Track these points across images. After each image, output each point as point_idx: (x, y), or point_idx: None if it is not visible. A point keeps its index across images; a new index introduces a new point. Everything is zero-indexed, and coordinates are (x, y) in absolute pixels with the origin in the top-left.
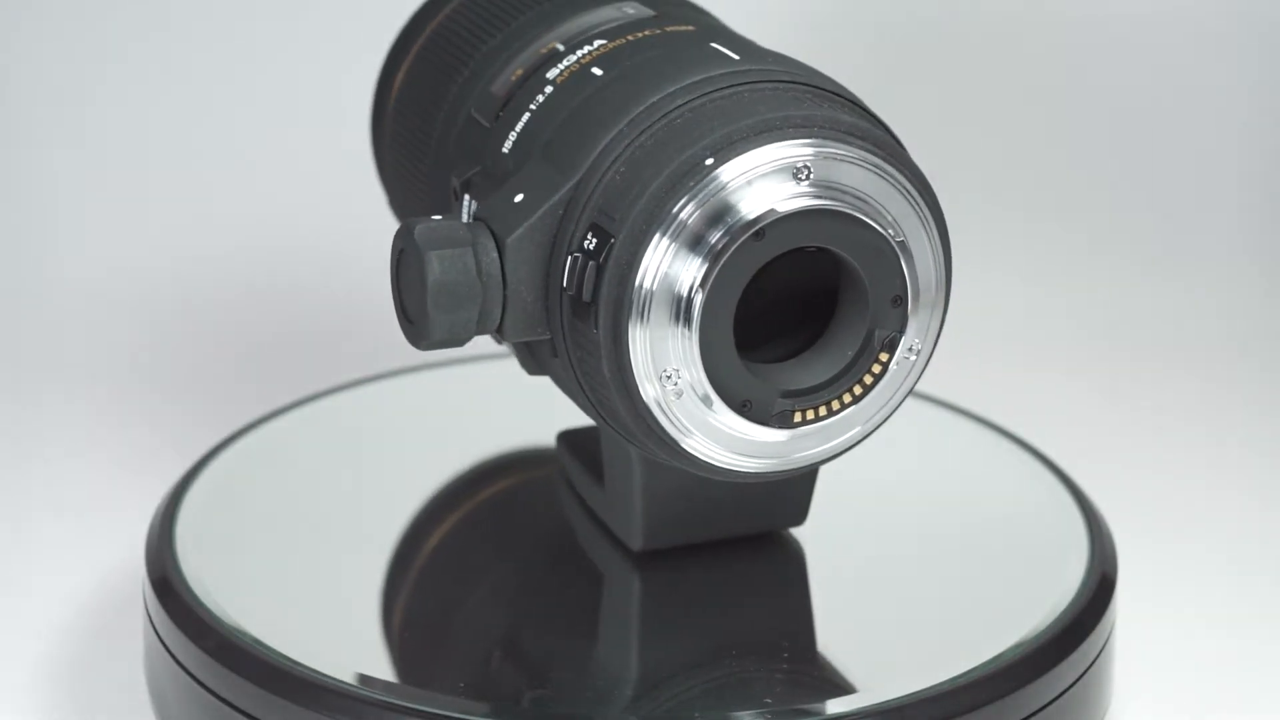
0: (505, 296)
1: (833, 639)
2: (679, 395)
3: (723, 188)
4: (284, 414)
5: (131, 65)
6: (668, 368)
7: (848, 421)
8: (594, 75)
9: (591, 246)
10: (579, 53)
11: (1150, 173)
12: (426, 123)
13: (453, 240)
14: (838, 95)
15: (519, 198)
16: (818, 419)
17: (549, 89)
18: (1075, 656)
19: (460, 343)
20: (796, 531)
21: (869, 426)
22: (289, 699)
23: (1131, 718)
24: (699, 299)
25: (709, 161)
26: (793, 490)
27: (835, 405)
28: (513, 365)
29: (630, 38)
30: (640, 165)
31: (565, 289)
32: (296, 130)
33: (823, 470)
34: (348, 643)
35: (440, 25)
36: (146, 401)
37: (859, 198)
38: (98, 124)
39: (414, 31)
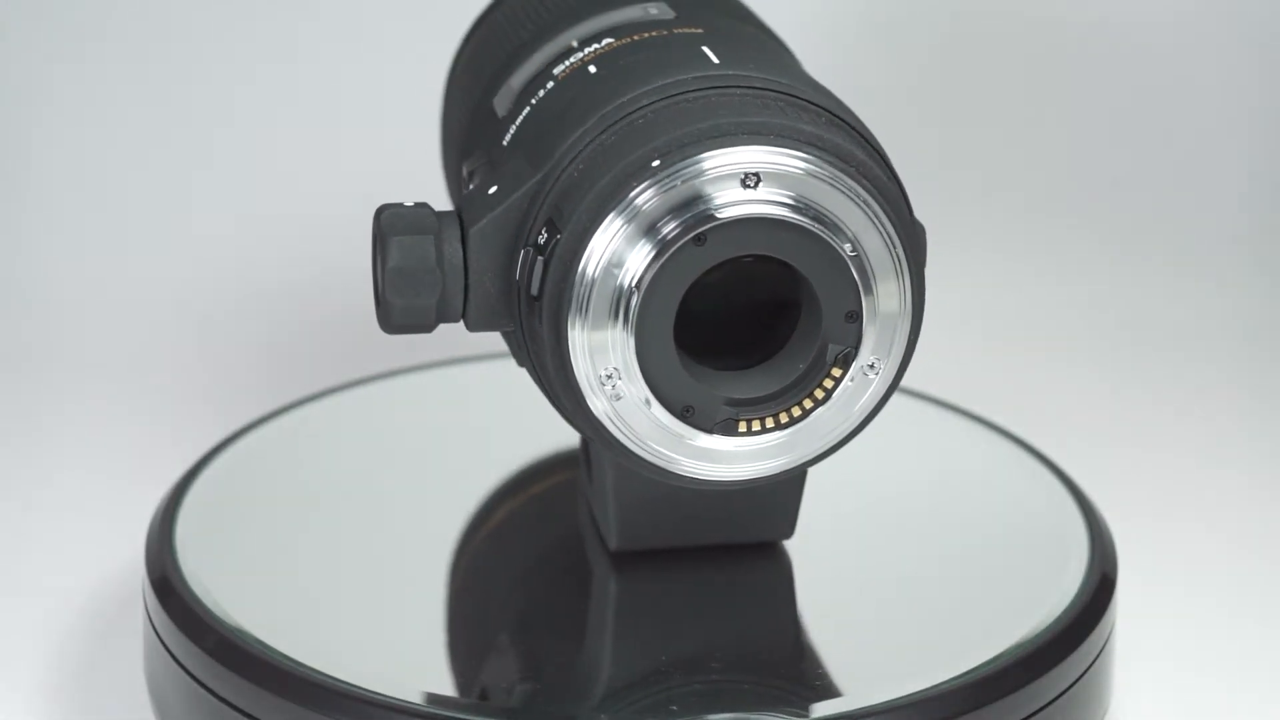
0: (467, 286)
1: (829, 639)
2: (618, 398)
3: (667, 190)
4: (285, 413)
5: (133, 65)
6: (607, 367)
7: (803, 434)
8: (589, 73)
9: (543, 241)
10: (585, 51)
11: (1152, 172)
12: (461, 113)
13: (416, 227)
14: (815, 105)
15: (493, 189)
16: (764, 430)
17: (550, 84)
18: (1075, 656)
19: (425, 329)
20: None
21: (828, 441)
22: (289, 699)
23: (1131, 718)
24: (635, 300)
25: (655, 163)
26: (778, 501)
27: (783, 418)
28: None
29: (635, 38)
30: (595, 163)
31: (518, 282)
32: (297, 129)
33: (819, 468)
34: (347, 643)
35: (491, 20)
36: (146, 401)
37: (812, 209)
38: (98, 124)
39: (475, 29)
